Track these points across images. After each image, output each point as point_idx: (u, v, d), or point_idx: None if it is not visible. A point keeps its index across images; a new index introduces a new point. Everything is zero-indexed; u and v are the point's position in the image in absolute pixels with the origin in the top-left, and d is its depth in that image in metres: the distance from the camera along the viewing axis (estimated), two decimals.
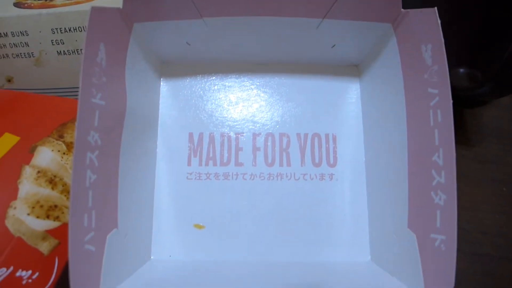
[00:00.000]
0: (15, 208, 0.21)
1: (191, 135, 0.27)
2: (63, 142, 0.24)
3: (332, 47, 0.26)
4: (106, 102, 0.19)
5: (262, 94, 0.28)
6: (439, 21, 0.19)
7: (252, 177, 0.26)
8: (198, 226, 0.26)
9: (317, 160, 0.27)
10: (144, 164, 0.25)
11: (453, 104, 0.18)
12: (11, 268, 0.20)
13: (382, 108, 0.25)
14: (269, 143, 0.27)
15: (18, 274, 0.20)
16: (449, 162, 0.18)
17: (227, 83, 0.28)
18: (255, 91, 0.28)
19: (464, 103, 0.35)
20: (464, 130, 0.34)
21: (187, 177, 0.26)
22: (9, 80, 0.31)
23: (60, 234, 0.21)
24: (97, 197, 0.18)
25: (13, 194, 0.21)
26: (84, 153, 0.18)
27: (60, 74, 0.30)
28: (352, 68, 0.28)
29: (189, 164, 0.27)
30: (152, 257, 0.25)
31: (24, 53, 0.29)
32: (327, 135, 0.27)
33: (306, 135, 0.27)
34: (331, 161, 0.27)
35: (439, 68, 0.19)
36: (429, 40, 0.19)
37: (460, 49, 0.30)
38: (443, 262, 0.18)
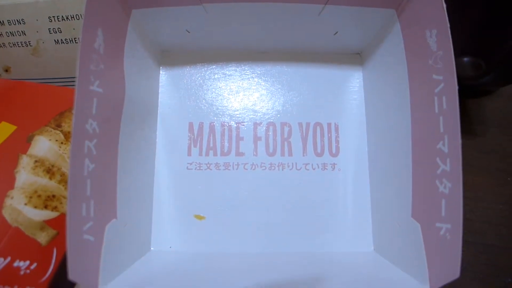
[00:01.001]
0: (12, 197, 0.21)
1: (191, 124, 0.27)
2: (61, 131, 0.24)
3: (334, 34, 0.25)
4: (104, 90, 0.19)
5: (263, 83, 0.27)
6: (444, 5, 0.18)
7: (253, 167, 0.26)
8: (198, 217, 0.25)
9: (319, 150, 0.26)
10: (144, 154, 0.25)
11: (458, 92, 0.18)
12: (9, 259, 0.19)
13: (386, 96, 0.24)
14: (270, 133, 0.26)
15: (15, 264, 0.19)
16: (454, 149, 0.18)
17: (227, 72, 0.27)
18: (256, 79, 0.27)
19: (468, 93, 0.35)
20: (468, 120, 0.34)
21: (187, 167, 0.26)
22: (6, 70, 0.30)
23: (58, 224, 0.21)
24: (96, 186, 0.18)
25: (10, 184, 0.21)
26: (82, 141, 0.17)
27: (58, 64, 0.30)
28: (354, 56, 0.28)
29: (189, 154, 0.26)
30: (152, 248, 0.25)
31: (21, 42, 0.29)
32: (329, 124, 0.27)
33: (308, 124, 0.27)
34: (334, 151, 0.26)
35: (444, 54, 0.18)
36: (434, 25, 0.19)
37: (464, 38, 0.29)
38: (448, 252, 0.18)
